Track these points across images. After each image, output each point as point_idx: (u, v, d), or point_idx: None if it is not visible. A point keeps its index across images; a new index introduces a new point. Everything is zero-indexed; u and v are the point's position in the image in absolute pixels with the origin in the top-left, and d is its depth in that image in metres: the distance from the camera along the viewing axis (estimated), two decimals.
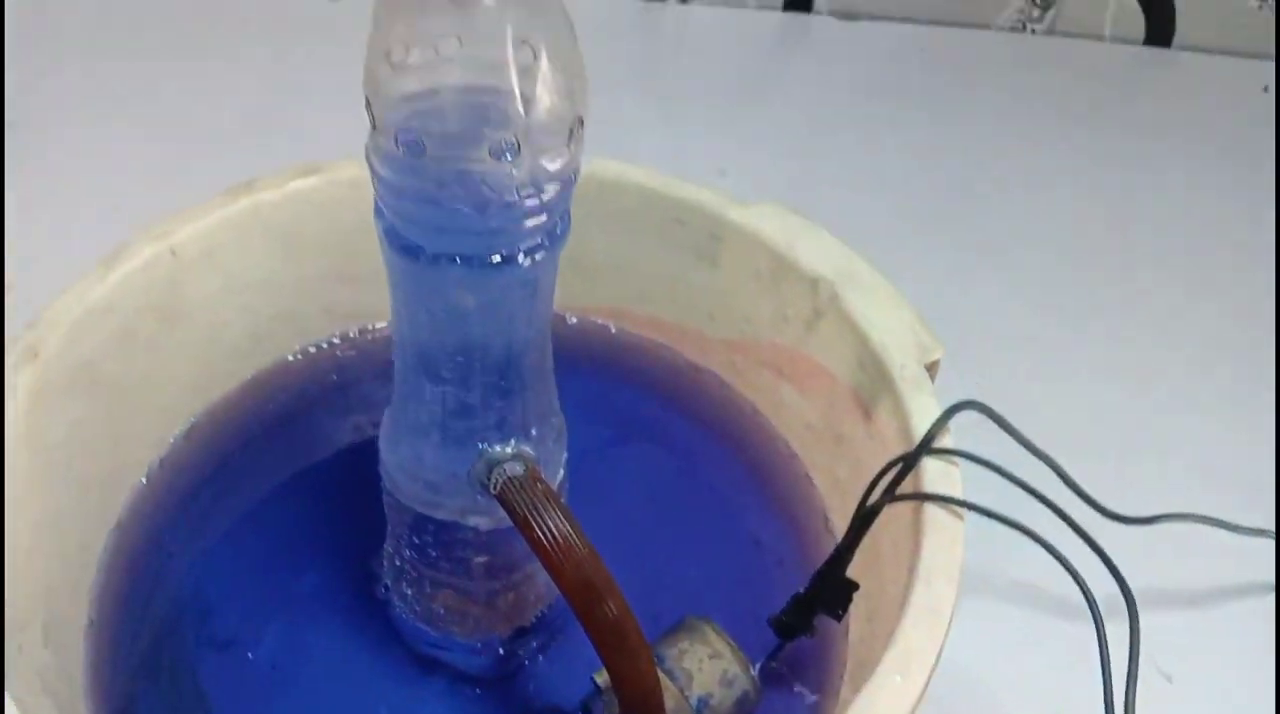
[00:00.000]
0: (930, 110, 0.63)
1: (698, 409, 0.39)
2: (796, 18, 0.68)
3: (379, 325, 0.40)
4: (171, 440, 0.36)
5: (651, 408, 0.40)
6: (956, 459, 0.28)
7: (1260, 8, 0.67)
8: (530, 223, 0.23)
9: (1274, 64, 0.68)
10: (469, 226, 0.22)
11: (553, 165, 0.22)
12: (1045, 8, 0.67)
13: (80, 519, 0.32)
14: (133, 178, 0.52)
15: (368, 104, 0.21)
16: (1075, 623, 0.27)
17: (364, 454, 0.36)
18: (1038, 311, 0.50)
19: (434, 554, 0.29)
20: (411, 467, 0.28)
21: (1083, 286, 0.52)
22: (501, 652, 0.32)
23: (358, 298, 0.38)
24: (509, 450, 0.27)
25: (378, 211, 0.24)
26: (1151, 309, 0.51)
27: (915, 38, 0.67)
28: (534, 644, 0.32)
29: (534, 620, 0.32)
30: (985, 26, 0.68)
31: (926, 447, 0.28)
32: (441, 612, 0.31)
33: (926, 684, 0.24)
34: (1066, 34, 0.68)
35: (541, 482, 0.27)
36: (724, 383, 0.39)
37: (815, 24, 0.68)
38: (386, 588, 0.32)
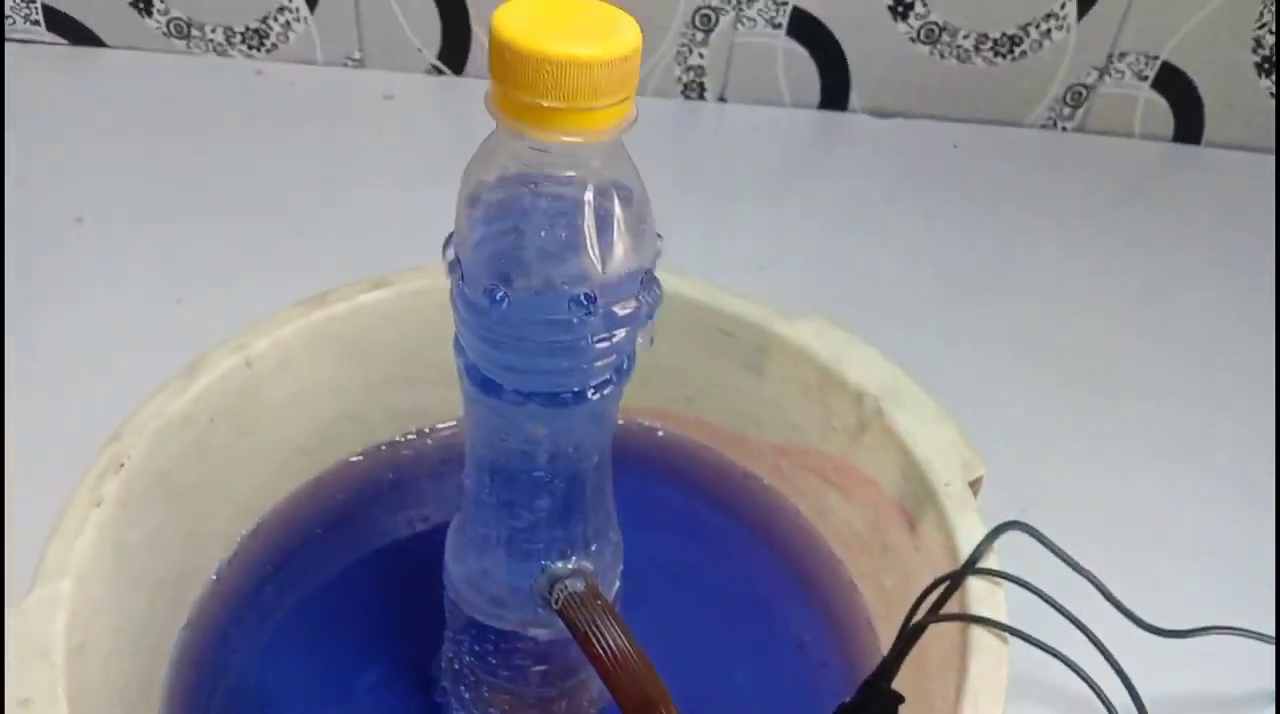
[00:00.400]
0: (964, 206, 0.64)
1: (742, 511, 0.40)
2: (832, 115, 0.70)
3: (437, 426, 0.41)
4: (239, 540, 0.37)
5: (696, 508, 0.41)
6: (1001, 583, 0.29)
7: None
8: (600, 363, 0.24)
9: None
10: (545, 368, 0.24)
11: (624, 311, 0.23)
12: (1076, 106, 0.69)
13: (154, 619, 0.33)
14: (193, 271, 0.54)
15: (456, 259, 0.23)
16: None
17: (421, 552, 0.38)
18: (1072, 410, 0.51)
19: (494, 661, 0.31)
20: (476, 579, 0.29)
21: (1119, 384, 0.53)
22: None
23: (417, 399, 0.40)
24: (570, 566, 0.28)
25: (458, 348, 0.25)
26: (1190, 408, 0.52)
27: (948, 134, 0.69)
28: None
29: None
30: (1017, 124, 0.70)
31: (972, 567, 0.29)
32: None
33: None
34: (1097, 131, 0.70)
35: (601, 598, 0.28)
36: (768, 487, 0.40)
37: (850, 121, 0.70)
38: (444, 690, 0.34)
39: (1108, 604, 0.31)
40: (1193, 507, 0.47)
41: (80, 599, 0.29)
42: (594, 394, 0.25)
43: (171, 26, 0.69)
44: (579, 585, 0.28)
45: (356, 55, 0.70)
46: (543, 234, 0.22)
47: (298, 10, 0.67)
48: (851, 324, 0.38)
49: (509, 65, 0.20)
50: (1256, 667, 0.38)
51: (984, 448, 0.34)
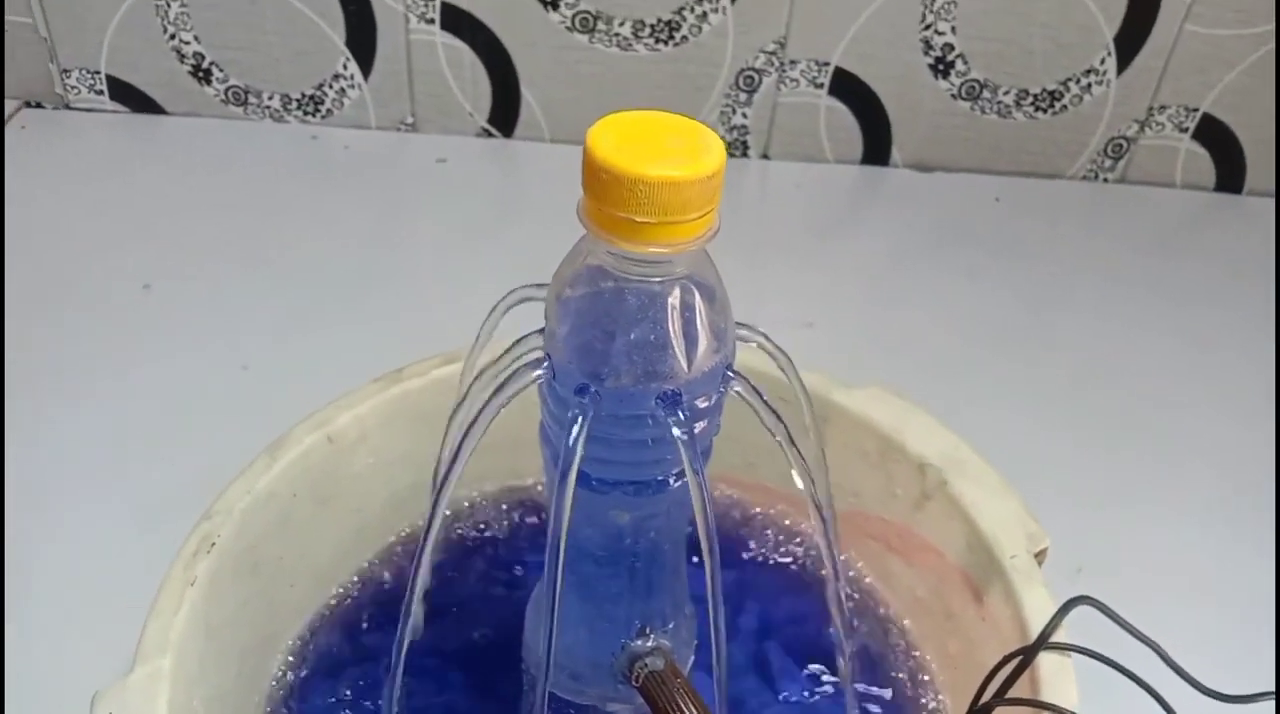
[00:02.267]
0: (1007, 259, 0.65)
1: (801, 573, 0.41)
2: (874, 170, 0.71)
3: (502, 488, 0.42)
4: (318, 608, 0.38)
5: (754, 570, 0.41)
6: (1070, 654, 0.30)
7: None
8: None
9: None
10: (630, 460, 0.25)
11: (705, 404, 0.24)
12: (1117, 158, 0.70)
13: (240, 686, 0.34)
14: (258, 336, 0.56)
15: (547, 357, 0.24)
16: None
17: (495, 617, 0.39)
18: (1121, 467, 0.51)
19: None
20: (557, 655, 0.30)
21: (1167, 440, 0.53)
22: None
23: (483, 464, 0.41)
24: (649, 644, 0.29)
25: (544, 437, 0.26)
26: (1239, 465, 0.52)
27: (990, 187, 0.70)
28: None
29: None
30: (1059, 176, 0.71)
31: (1042, 644, 0.30)
32: None
33: None
34: (1139, 182, 0.71)
35: (680, 675, 0.29)
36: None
37: (892, 176, 0.71)
38: None
39: (1167, 667, 0.32)
40: (1245, 565, 0.47)
41: (178, 675, 0.30)
42: (675, 481, 0.26)
43: (229, 94, 0.71)
44: (659, 663, 0.28)
45: (409, 120, 0.72)
46: (632, 336, 0.23)
47: (352, 77, 0.70)
48: (899, 381, 0.38)
49: (604, 184, 0.21)
50: None
51: (1035, 505, 0.35)
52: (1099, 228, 0.68)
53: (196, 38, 0.68)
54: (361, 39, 0.68)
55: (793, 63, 0.67)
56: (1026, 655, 0.30)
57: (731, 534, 0.42)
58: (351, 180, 0.69)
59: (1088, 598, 0.31)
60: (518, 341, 0.25)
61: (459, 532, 0.41)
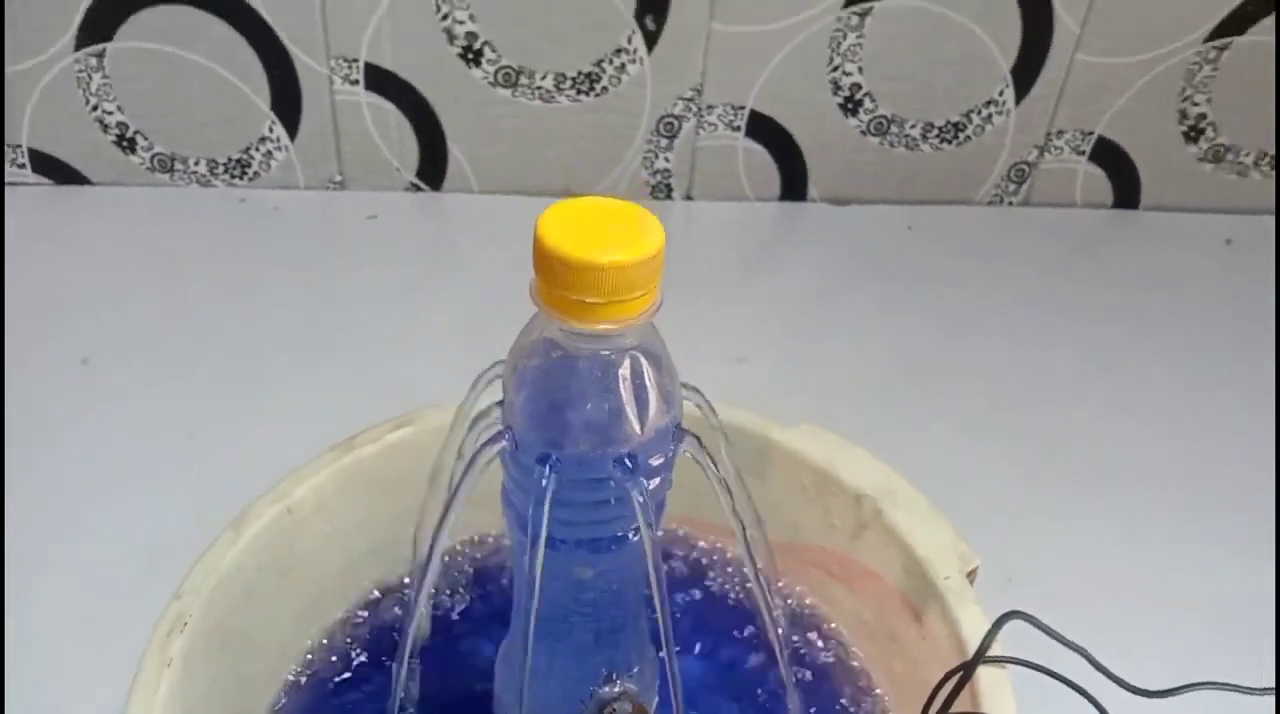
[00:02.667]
0: (921, 285, 0.68)
1: (747, 602, 0.43)
2: (792, 206, 0.74)
3: (453, 548, 0.44)
4: (283, 680, 0.39)
5: (709, 603, 0.43)
6: (1006, 666, 0.32)
7: (1214, 170, 0.74)
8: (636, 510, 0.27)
9: (1233, 218, 0.74)
10: (590, 519, 0.26)
11: (658, 461, 0.26)
12: (1020, 182, 0.74)
13: None
14: (201, 404, 0.56)
15: (508, 428, 0.25)
16: None
17: (455, 673, 0.40)
18: (1040, 480, 0.54)
19: None
20: (530, 707, 0.31)
21: (1079, 451, 0.56)
22: None
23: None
24: (616, 689, 0.30)
25: (506, 501, 0.28)
26: (1154, 472, 0.55)
27: (902, 217, 0.73)
28: None
29: None
30: (966, 202, 0.74)
31: (979, 660, 0.32)
32: None
33: None
34: (1041, 204, 0.75)
35: None
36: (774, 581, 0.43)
37: (809, 211, 0.74)
38: None
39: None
40: (1160, 567, 0.50)
41: None
42: (634, 535, 0.27)
43: (155, 161, 0.71)
44: (626, 707, 0.30)
45: (338, 178, 0.73)
46: (588, 405, 0.25)
47: (279, 139, 0.70)
48: (829, 410, 0.41)
49: (555, 270, 0.23)
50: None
51: (963, 524, 0.37)
52: (1007, 250, 0.72)
53: (120, 108, 0.69)
54: (287, 102, 0.69)
55: (710, 108, 0.69)
56: (965, 672, 0.32)
57: (684, 572, 0.43)
58: (283, 241, 0.70)
59: (1018, 612, 0.33)
60: (478, 417, 0.27)
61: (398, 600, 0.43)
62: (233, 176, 0.72)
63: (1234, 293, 0.69)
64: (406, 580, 0.43)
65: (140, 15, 0.65)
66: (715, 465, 0.27)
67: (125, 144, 0.70)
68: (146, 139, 0.70)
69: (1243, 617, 0.47)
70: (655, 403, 0.25)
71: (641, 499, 0.25)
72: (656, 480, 0.27)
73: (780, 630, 0.32)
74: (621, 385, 0.25)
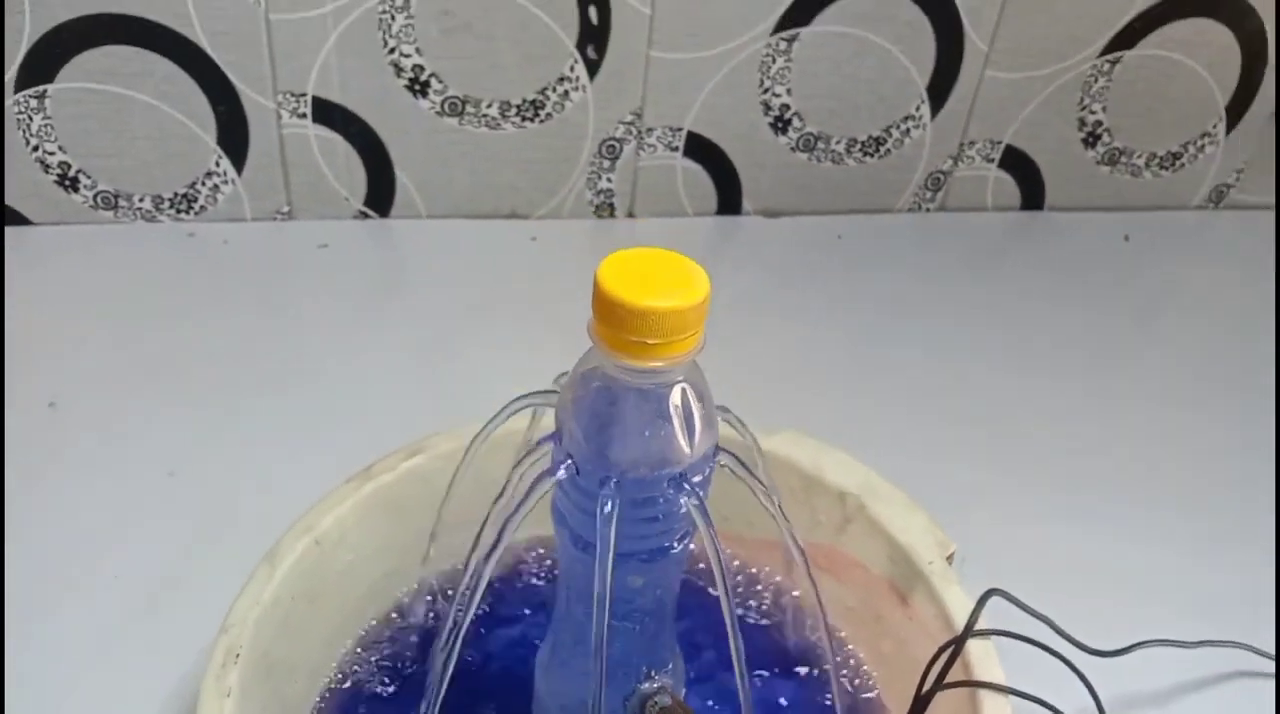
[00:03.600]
0: (853, 288, 0.73)
1: (748, 601, 0.46)
2: (728, 220, 0.78)
3: (458, 566, 0.46)
4: (315, 700, 0.41)
5: (703, 600, 0.46)
6: (991, 638, 0.36)
7: (1111, 172, 0.80)
8: (680, 522, 0.30)
9: (1130, 214, 0.81)
10: (645, 533, 0.29)
11: (700, 478, 0.30)
12: (936, 189, 0.79)
13: None
14: (177, 441, 0.57)
15: (568, 456, 0.28)
16: None
17: (473, 688, 0.42)
18: (981, 466, 0.59)
19: None
20: (574, 707, 0.34)
21: (1004, 430, 0.61)
22: None
23: (446, 544, 0.45)
24: (656, 685, 0.34)
25: (559, 519, 0.31)
26: (1079, 450, 0.61)
27: (831, 226, 0.78)
28: None
29: None
30: (888, 211, 0.79)
31: (969, 633, 0.36)
32: None
33: None
34: (956, 209, 0.80)
35: (685, 707, 0.34)
36: (765, 576, 0.46)
37: (745, 224, 0.78)
38: None
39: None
40: (1104, 538, 0.55)
41: None
42: (678, 545, 0.31)
43: (98, 199, 0.71)
44: (666, 700, 0.33)
45: (285, 209, 0.74)
46: (646, 434, 0.28)
47: (225, 173, 0.71)
48: (770, 413, 0.44)
49: (616, 315, 0.26)
50: (1181, 665, 0.47)
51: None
52: (927, 252, 0.77)
53: (61, 148, 0.69)
54: (233, 137, 0.70)
55: (649, 130, 0.73)
56: (957, 644, 0.36)
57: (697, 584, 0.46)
58: (236, 273, 0.71)
59: (998, 590, 0.38)
60: (530, 450, 0.30)
61: (425, 613, 0.45)
62: (179, 211, 0.73)
63: (1132, 282, 0.76)
64: (411, 593, 0.45)
65: (83, 56, 0.66)
66: (752, 475, 0.30)
67: (67, 183, 0.70)
68: (89, 178, 0.70)
69: (1179, 584, 0.53)
70: (701, 427, 0.29)
71: (697, 506, 0.28)
72: (702, 494, 0.30)
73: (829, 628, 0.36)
74: (673, 414, 0.28)
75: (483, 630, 0.43)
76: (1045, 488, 0.58)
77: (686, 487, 0.29)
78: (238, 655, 0.35)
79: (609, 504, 0.28)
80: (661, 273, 0.27)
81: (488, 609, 0.44)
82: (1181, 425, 0.63)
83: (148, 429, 0.58)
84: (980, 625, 0.38)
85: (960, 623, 0.37)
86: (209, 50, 0.66)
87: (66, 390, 0.60)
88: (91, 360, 0.63)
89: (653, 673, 0.34)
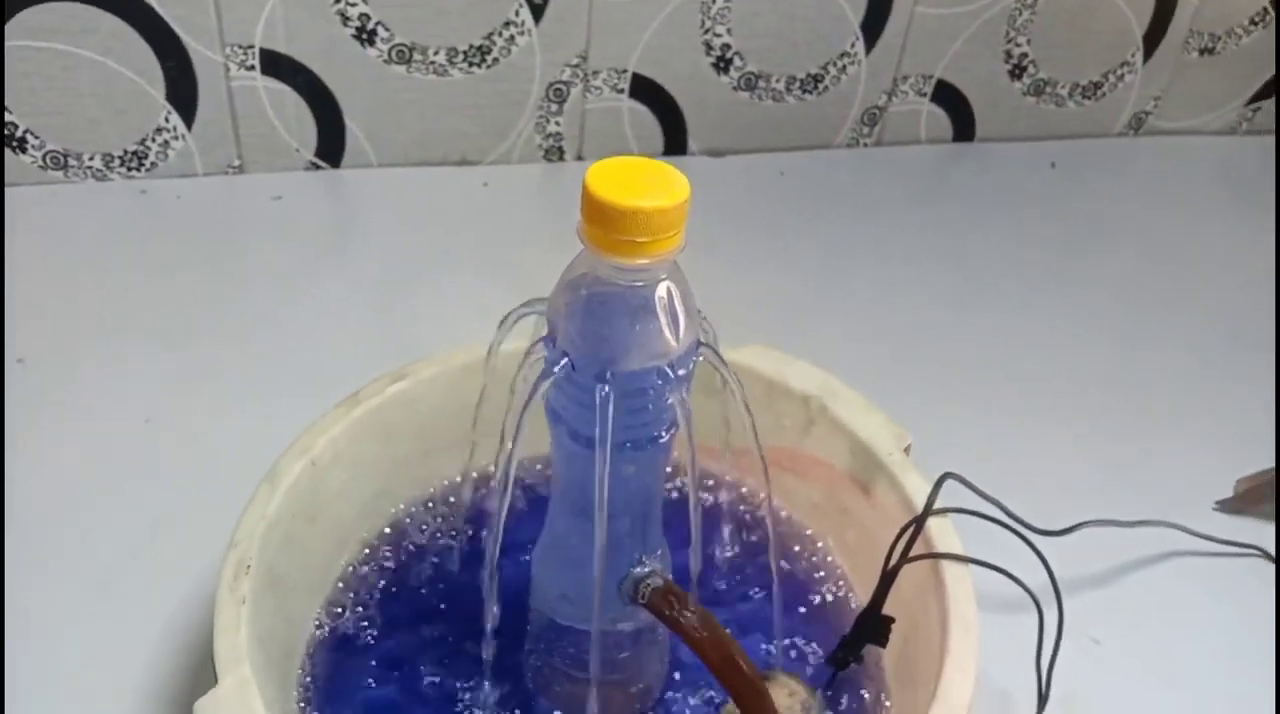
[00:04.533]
0: (795, 221, 0.76)
1: (718, 503, 0.49)
2: (674, 159, 0.78)
3: (445, 484, 0.48)
4: (317, 616, 0.43)
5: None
6: (948, 516, 0.40)
7: (1037, 103, 0.84)
8: (667, 412, 0.33)
9: (1056, 143, 0.85)
10: (633, 423, 0.32)
11: (684, 371, 0.32)
12: (872, 124, 0.82)
13: (283, 695, 0.39)
14: (152, 390, 0.58)
15: (564, 354, 0.31)
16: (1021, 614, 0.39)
17: (468, 588, 0.45)
18: (924, 372, 0.63)
19: (585, 658, 0.38)
20: (573, 592, 0.37)
21: (943, 338, 0.65)
22: None
23: (433, 466, 0.47)
24: (647, 569, 0.36)
25: (554, 416, 0.33)
26: (1014, 349, 0.65)
27: (774, 163, 0.81)
28: None
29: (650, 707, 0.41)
30: (828, 146, 0.82)
31: (928, 513, 0.39)
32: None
33: (975, 675, 0.35)
34: (892, 143, 0.83)
35: (676, 588, 0.36)
36: (735, 482, 0.49)
37: (691, 163, 0.80)
38: (529, 689, 0.41)
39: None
40: (1045, 434, 0.59)
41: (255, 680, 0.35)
42: (665, 435, 0.33)
43: (48, 159, 0.71)
44: (658, 581, 0.36)
45: (236, 163, 0.74)
46: (636, 328, 0.30)
47: (175, 128, 0.72)
48: (737, 336, 0.47)
49: (606, 216, 0.28)
50: (1122, 543, 0.51)
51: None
52: (865, 184, 0.80)
53: (7, 108, 0.68)
54: (182, 92, 0.70)
55: (595, 73, 0.75)
56: (919, 522, 0.39)
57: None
58: (190, 228, 0.71)
59: (952, 474, 0.41)
60: (529, 352, 0.32)
61: (416, 529, 0.47)
62: (130, 169, 0.73)
63: (1059, 207, 0.80)
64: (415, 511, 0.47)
65: (25, 14, 0.65)
66: (724, 364, 0.33)
67: (15, 144, 0.70)
68: (37, 137, 0.70)
69: (1115, 472, 0.57)
70: (684, 322, 0.31)
71: (683, 399, 0.31)
72: (682, 388, 0.32)
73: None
74: (660, 310, 0.30)
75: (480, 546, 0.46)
76: (988, 390, 0.62)
77: (673, 377, 0.31)
78: (248, 567, 0.37)
79: (605, 394, 0.30)
80: (645, 177, 0.29)
81: (470, 535, 0.46)
82: (1110, 332, 0.67)
83: (119, 380, 0.59)
84: (937, 507, 0.41)
85: (920, 505, 0.40)
86: (155, 4, 0.66)
87: (33, 347, 0.61)
88: (55, 318, 0.63)
89: (643, 558, 0.36)
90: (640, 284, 0.30)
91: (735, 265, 0.71)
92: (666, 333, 0.31)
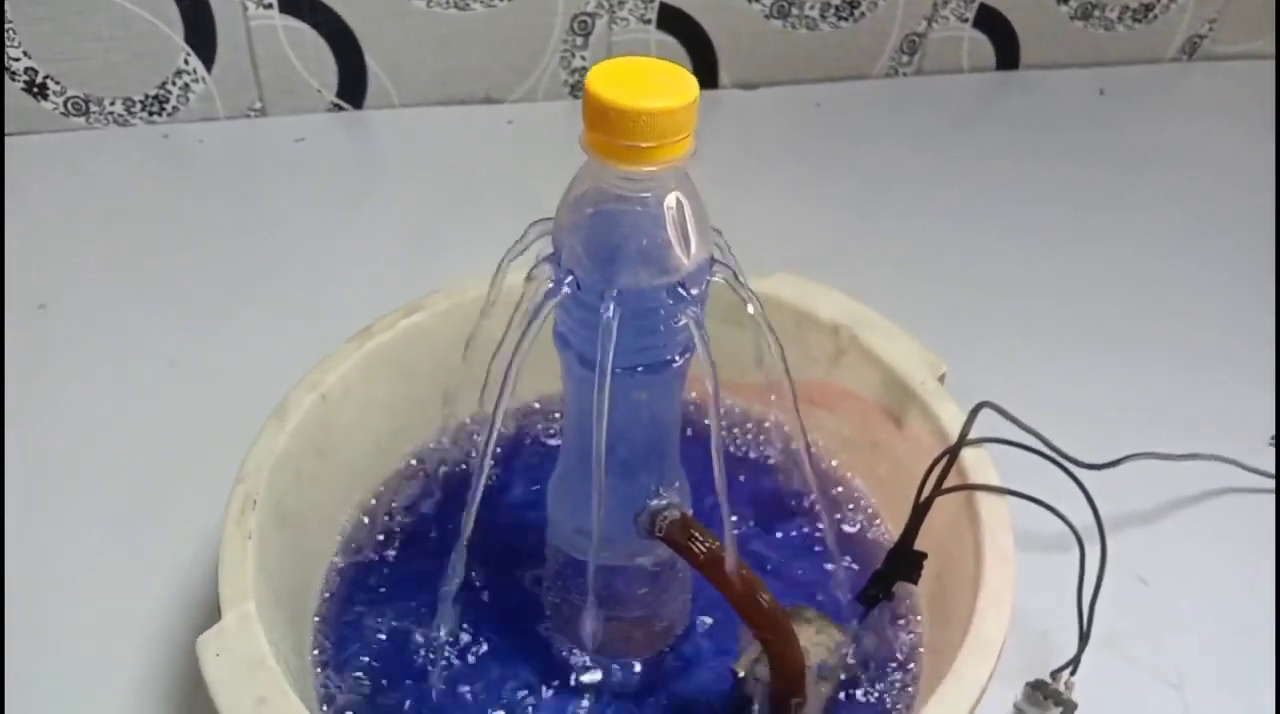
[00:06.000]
0: (834, 154, 0.73)
1: (746, 443, 0.47)
2: (707, 94, 0.76)
3: (466, 422, 0.47)
4: (331, 555, 0.42)
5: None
6: (984, 446, 0.38)
7: (1085, 27, 0.80)
8: (683, 334, 0.31)
9: (1104, 70, 0.81)
10: (645, 346, 0.30)
11: (696, 291, 0.30)
12: (911, 53, 0.79)
13: (291, 631, 0.38)
14: (176, 334, 0.58)
15: (569, 272, 0.29)
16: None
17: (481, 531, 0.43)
18: (973, 305, 0.60)
19: (604, 594, 0.37)
20: (587, 526, 0.35)
21: (996, 270, 0.63)
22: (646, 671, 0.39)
23: (450, 405, 0.46)
24: (664, 502, 0.35)
25: (562, 342, 0.31)
26: (1067, 283, 0.62)
27: (810, 95, 0.78)
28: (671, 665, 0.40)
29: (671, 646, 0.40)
30: (865, 76, 0.79)
31: (963, 443, 0.37)
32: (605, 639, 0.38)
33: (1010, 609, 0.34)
34: (933, 72, 0.80)
35: (693, 520, 0.35)
36: (762, 417, 0.48)
37: (724, 97, 0.78)
38: (549, 627, 0.40)
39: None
40: (1093, 366, 0.57)
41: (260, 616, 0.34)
42: (679, 359, 0.31)
43: (69, 105, 0.71)
44: (675, 514, 0.34)
45: (258, 105, 0.73)
46: (643, 242, 0.28)
47: (195, 71, 0.70)
48: (773, 267, 0.45)
49: (610, 119, 0.27)
50: (1170, 478, 0.49)
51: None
52: (906, 115, 0.77)
53: (26, 53, 0.67)
54: (200, 33, 0.69)
55: (620, 3, 0.72)
56: (953, 452, 0.37)
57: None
58: (213, 171, 0.70)
59: (988, 403, 0.39)
60: (531, 272, 0.30)
61: (434, 467, 0.46)
62: (151, 113, 0.72)
63: (1109, 135, 0.76)
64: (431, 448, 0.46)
65: None
66: (745, 286, 0.31)
67: (35, 90, 0.69)
68: (58, 83, 0.69)
69: (1165, 403, 0.54)
70: (696, 237, 0.29)
71: (695, 317, 0.29)
72: (695, 309, 0.31)
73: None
74: (669, 222, 0.29)
75: (495, 486, 0.44)
76: (1031, 322, 0.59)
77: (685, 297, 0.29)
78: (255, 502, 0.36)
79: (610, 311, 0.28)
80: (650, 78, 0.27)
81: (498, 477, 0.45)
82: (1161, 263, 0.64)
83: (143, 324, 0.58)
84: (973, 437, 0.39)
85: (954, 436, 0.38)
86: None
87: (55, 293, 0.60)
88: (78, 264, 0.63)
89: (660, 490, 0.35)
90: (647, 194, 0.28)
91: (769, 201, 0.69)
92: (676, 248, 0.29)
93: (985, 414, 0.39)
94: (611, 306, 0.28)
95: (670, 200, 0.29)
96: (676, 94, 0.27)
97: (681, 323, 0.31)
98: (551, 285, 0.30)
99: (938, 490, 0.37)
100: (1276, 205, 0.69)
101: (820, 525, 0.44)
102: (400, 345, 0.43)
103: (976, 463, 0.37)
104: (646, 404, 0.32)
